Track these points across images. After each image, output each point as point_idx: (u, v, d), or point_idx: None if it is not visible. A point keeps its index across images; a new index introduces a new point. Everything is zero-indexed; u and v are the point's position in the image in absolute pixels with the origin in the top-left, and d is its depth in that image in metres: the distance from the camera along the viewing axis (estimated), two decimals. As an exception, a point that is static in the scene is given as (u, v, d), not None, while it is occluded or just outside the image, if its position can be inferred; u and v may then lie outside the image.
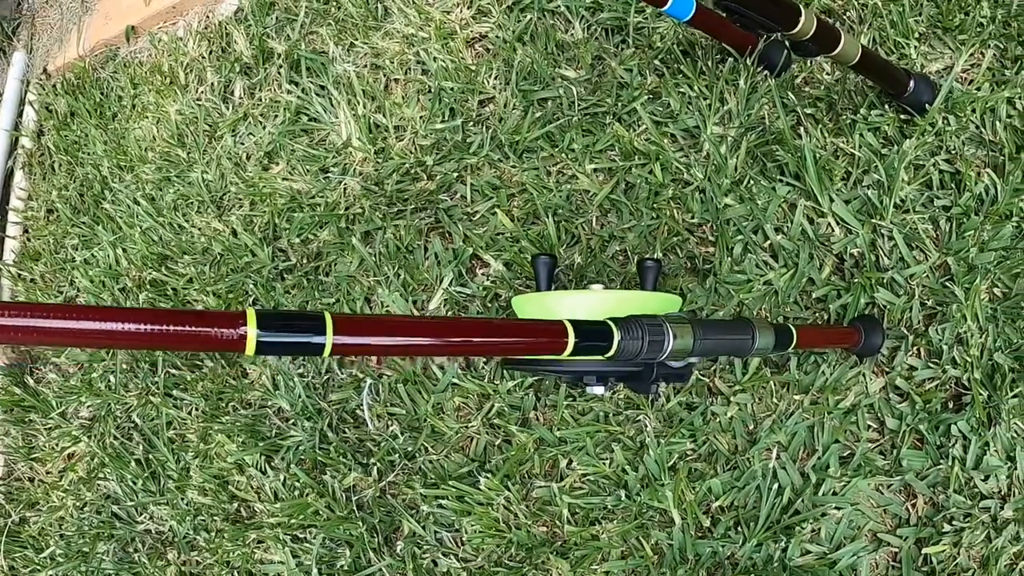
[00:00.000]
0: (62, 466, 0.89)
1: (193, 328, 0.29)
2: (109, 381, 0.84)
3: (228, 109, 0.84)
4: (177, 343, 0.29)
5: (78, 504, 0.87)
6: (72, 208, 0.92)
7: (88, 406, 0.85)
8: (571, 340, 0.39)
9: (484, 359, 0.67)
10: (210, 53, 0.87)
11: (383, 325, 0.35)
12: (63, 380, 0.88)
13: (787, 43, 0.62)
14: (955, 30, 0.71)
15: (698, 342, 0.45)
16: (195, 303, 0.78)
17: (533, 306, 0.56)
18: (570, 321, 0.40)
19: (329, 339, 0.32)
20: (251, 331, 0.30)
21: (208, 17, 0.88)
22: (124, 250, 0.85)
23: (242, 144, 0.82)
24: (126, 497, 0.82)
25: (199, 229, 0.81)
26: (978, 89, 0.67)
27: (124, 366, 0.83)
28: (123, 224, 0.85)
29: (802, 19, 0.56)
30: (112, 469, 0.81)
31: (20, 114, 0.96)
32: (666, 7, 0.56)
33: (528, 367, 0.58)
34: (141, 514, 0.83)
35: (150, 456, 0.80)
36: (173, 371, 0.78)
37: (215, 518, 0.75)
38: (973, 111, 0.66)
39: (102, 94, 0.93)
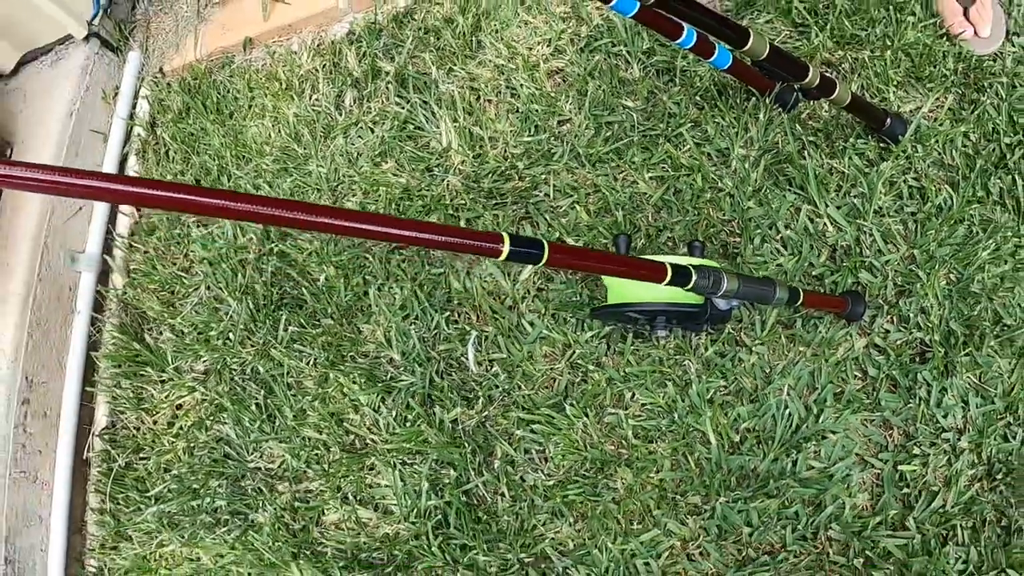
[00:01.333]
0: (170, 416, 1.03)
1: (473, 241, 0.49)
2: (227, 338, 0.99)
3: (340, 115, 1.03)
4: (462, 248, 0.49)
5: (187, 448, 1.01)
6: None
7: (204, 360, 1.00)
8: (669, 274, 0.61)
9: (571, 313, 0.87)
10: (323, 67, 1.06)
11: (574, 253, 0.57)
12: (178, 338, 1.02)
13: (798, 89, 0.86)
14: (925, 79, 0.98)
15: (741, 286, 0.68)
16: (317, 274, 0.95)
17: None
18: (670, 264, 0.62)
19: (546, 255, 0.52)
20: (506, 247, 0.50)
21: (321, 35, 1.06)
22: (243, 229, 1.02)
23: (353, 144, 1.01)
24: (240, 438, 0.97)
25: (316, 212, 0.98)
26: (941, 125, 0.94)
27: (241, 326, 0.99)
28: None
29: (810, 73, 0.81)
30: (231, 412, 0.96)
31: (134, 107, 1.11)
32: (711, 59, 0.79)
33: (616, 312, 0.80)
34: (253, 453, 0.98)
35: (268, 400, 0.96)
36: (295, 328, 0.95)
37: (331, 450, 0.92)
38: (936, 141, 0.93)
39: (219, 94, 1.09)
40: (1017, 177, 0.95)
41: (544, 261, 0.55)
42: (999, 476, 0.85)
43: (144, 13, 1.16)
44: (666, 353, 0.87)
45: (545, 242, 0.54)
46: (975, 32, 1.04)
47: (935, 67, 1.00)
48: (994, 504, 0.85)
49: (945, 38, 1.04)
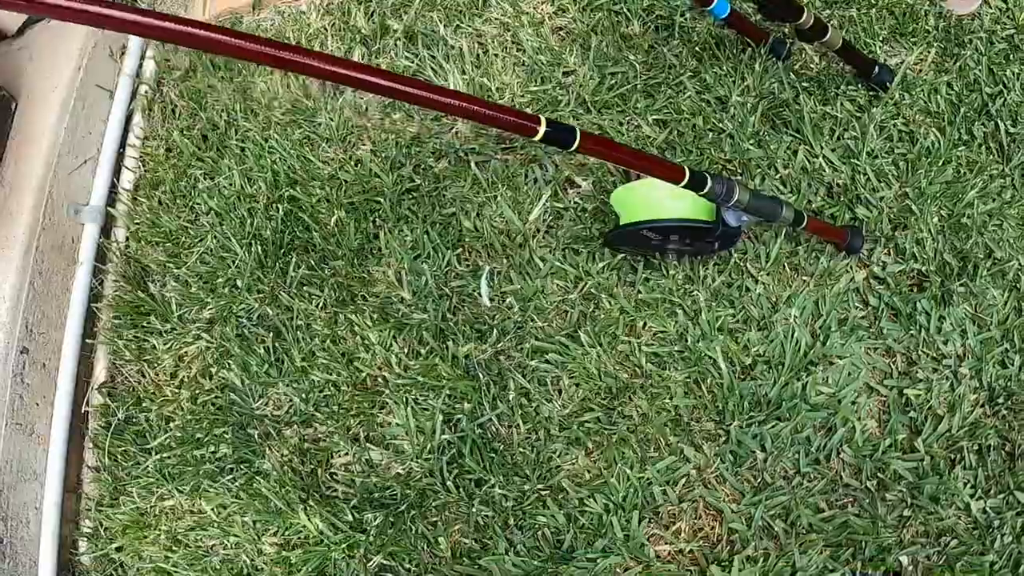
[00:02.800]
0: (173, 366, 1.04)
1: (514, 119, 0.54)
2: (235, 285, 1.01)
3: None
4: (500, 124, 0.54)
5: (191, 396, 1.01)
6: (195, 145, 1.10)
7: (210, 308, 1.01)
8: (687, 176, 0.66)
9: (582, 245, 0.91)
10: (332, 25, 1.11)
11: (604, 143, 0.62)
12: (184, 288, 1.04)
13: (793, 33, 0.94)
14: (908, 35, 1.07)
15: (751, 198, 0.73)
16: (327, 218, 0.98)
17: (636, 192, 0.82)
18: (688, 168, 0.67)
19: (577, 140, 0.57)
20: (542, 128, 0.55)
21: None
22: (250, 179, 1.05)
23: (363, 97, 1.05)
24: (246, 384, 0.98)
25: (326, 162, 1.02)
26: (925, 76, 1.02)
27: (249, 273, 1.01)
28: (251, 156, 1.05)
29: (805, 14, 0.89)
30: (237, 358, 0.97)
31: (140, 65, 1.14)
32: (711, 7, 0.86)
33: (630, 233, 0.82)
34: (260, 399, 0.99)
35: (276, 344, 0.97)
36: (305, 271, 0.97)
37: (341, 390, 0.93)
38: (922, 90, 1.01)
39: None
40: (1000, 123, 1.04)
41: (576, 147, 0.59)
42: (1000, 400, 0.90)
43: (152, -23, 1.21)
44: (675, 284, 0.91)
45: (578, 129, 0.59)
46: None
47: (917, 24, 1.09)
48: (997, 429, 0.90)
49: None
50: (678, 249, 0.85)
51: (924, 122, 1.02)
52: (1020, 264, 0.95)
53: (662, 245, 0.85)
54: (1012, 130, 1.05)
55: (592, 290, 0.91)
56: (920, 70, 1.06)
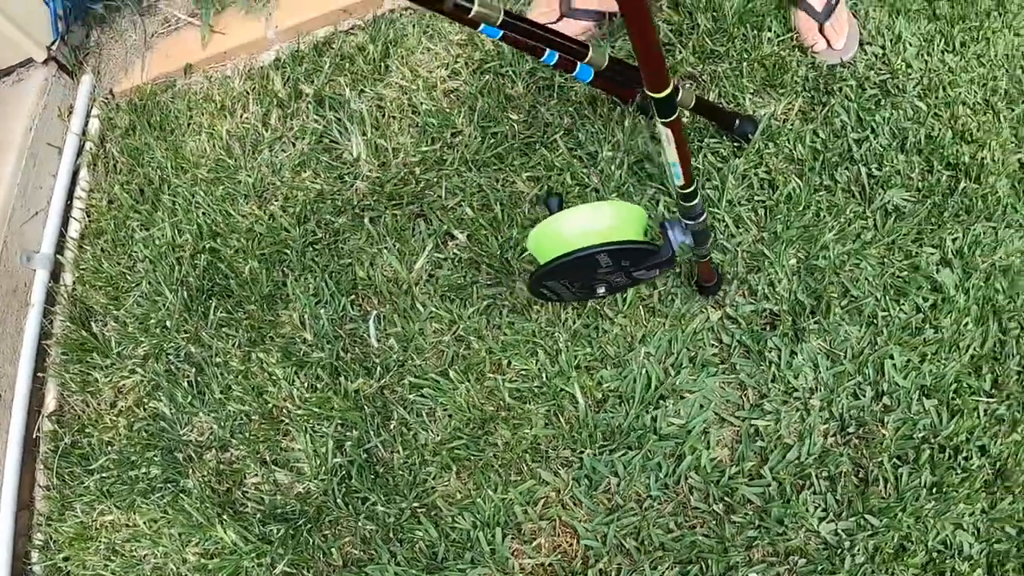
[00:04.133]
0: (113, 397, 1.21)
1: None
2: (164, 325, 1.18)
3: (267, 131, 1.24)
4: None
5: (127, 424, 1.19)
6: (133, 198, 1.27)
7: (144, 346, 1.18)
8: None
9: (455, 295, 1.06)
10: (252, 89, 1.27)
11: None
12: (122, 328, 1.21)
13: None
14: (778, 86, 1.20)
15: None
16: (243, 267, 1.14)
17: (560, 225, 0.81)
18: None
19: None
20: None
21: (252, 62, 1.28)
22: (179, 230, 1.22)
23: (277, 157, 1.22)
24: (173, 414, 1.15)
25: (243, 216, 1.19)
26: (791, 124, 1.16)
27: (176, 314, 1.18)
28: (180, 210, 1.22)
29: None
30: (166, 390, 1.14)
31: (87, 124, 1.32)
32: (575, 74, 1.01)
33: (559, 269, 0.80)
34: (185, 427, 1.16)
35: (198, 379, 1.14)
36: (222, 314, 1.14)
37: (252, 419, 1.10)
38: (787, 139, 1.14)
39: (161, 113, 1.30)
40: (863, 167, 1.17)
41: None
42: (851, 430, 1.04)
43: (97, 40, 1.38)
44: (538, 326, 1.06)
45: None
46: (829, 44, 1.27)
47: (788, 75, 1.22)
48: (850, 456, 1.04)
49: (799, 51, 1.27)
50: (612, 283, 0.88)
51: (786, 170, 1.16)
52: (876, 301, 1.09)
53: (598, 280, 0.86)
54: (876, 173, 1.19)
55: (463, 332, 1.06)
56: (786, 119, 1.19)
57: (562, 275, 0.85)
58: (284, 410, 1.10)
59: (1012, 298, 1.15)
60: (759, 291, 1.07)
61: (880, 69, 1.29)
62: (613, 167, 1.12)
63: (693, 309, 1.07)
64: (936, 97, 1.26)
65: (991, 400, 1.07)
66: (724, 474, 1.01)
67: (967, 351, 1.08)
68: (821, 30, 1.25)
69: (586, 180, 1.12)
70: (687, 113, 1.11)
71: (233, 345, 1.15)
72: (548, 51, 0.94)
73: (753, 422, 1.03)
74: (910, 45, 1.30)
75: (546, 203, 0.92)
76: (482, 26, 0.86)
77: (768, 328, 1.08)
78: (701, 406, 1.03)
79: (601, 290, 0.89)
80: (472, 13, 0.81)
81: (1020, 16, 1.37)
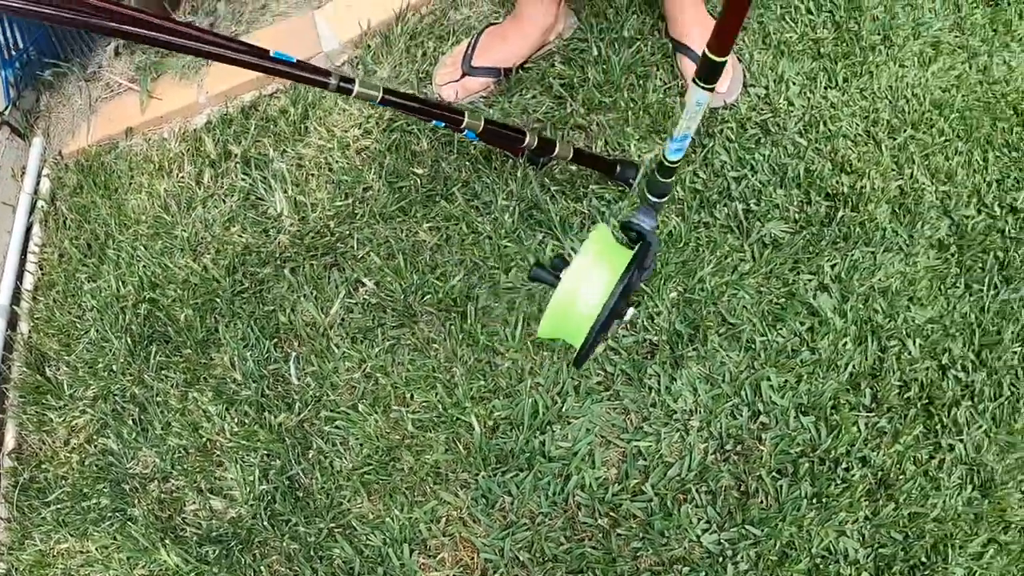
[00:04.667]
0: (66, 435, 1.35)
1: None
2: (111, 369, 1.32)
3: (200, 189, 1.38)
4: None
5: (80, 460, 1.33)
6: (81, 253, 1.42)
7: (93, 388, 1.32)
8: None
9: (366, 335, 1.20)
10: (187, 150, 1.41)
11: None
12: (73, 372, 1.35)
13: (525, 149, 1.21)
14: (662, 132, 1.35)
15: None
16: (179, 315, 1.29)
17: (562, 311, 0.80)
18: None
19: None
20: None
21: (186, 125, 1.42)
22: (123, 282, 1.36)
23: (210, 213, 1.36)
24: (120, 449, 1.29)
25: (180, 268, 1.33)
26: None
27: (121, 359, 1.32)
28: (124, 264, 1.36)
29: (527, 138, 1.17)
30: (113, 428, 1.28)
31: (38, 183, 1.46)
32: (464, 132, 1.15)
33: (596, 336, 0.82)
34: (131, 460, 1.30)
35: (142, 417, 1.28)
36: (162, 358, 1.28)
37: (189, 453, 1.24)
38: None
39: (106, 174, 1.45)
40: (741, 204, 1.31)
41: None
42: (729, 447, 1.18)
43: (47, 104, 1.53)
44: (437, 362, 1.21)
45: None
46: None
47: (671, 121, 1.37)
48: (730, 472, 1.18)
49: (683, 96, 1.41)
50: (629, 301, 0.86)
51: (669, 209, 1.30)
52: (753, 327, 1.24)
53: (622, 310, 0.84)
54: (754, 208, 1.33)
55: (371, 370, 1.21)
56: None
57: (596, 336, 0.83)
58: (217, 443, 1.24)
59: (892, 317, 1.30)
60: (639, 324, 1.22)
61: (762, 109, 1.43)
62: (506, 215, 1.27)
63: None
64: (817, 132, 1.41)
65: (871, 414, 1.22)
66: (608, 491, 1.16)
67: (846, 370, 1.23)
68: (704, 77, 1.40)
69: (480, 228, 1.26)
70: (567, 164, 1.25)
71: (172, 386, 1.29)
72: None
73: (636, 443, 1.18)
74: (793, 84, 1.45)
75: (538, 278, 0.88)
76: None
77: (648, 357, 1.23)
78: (587, 430, 1.18)
79: (628, 313, 0.86)
80: (354, 93, 0.95)
81: (906, 48, 1.52)
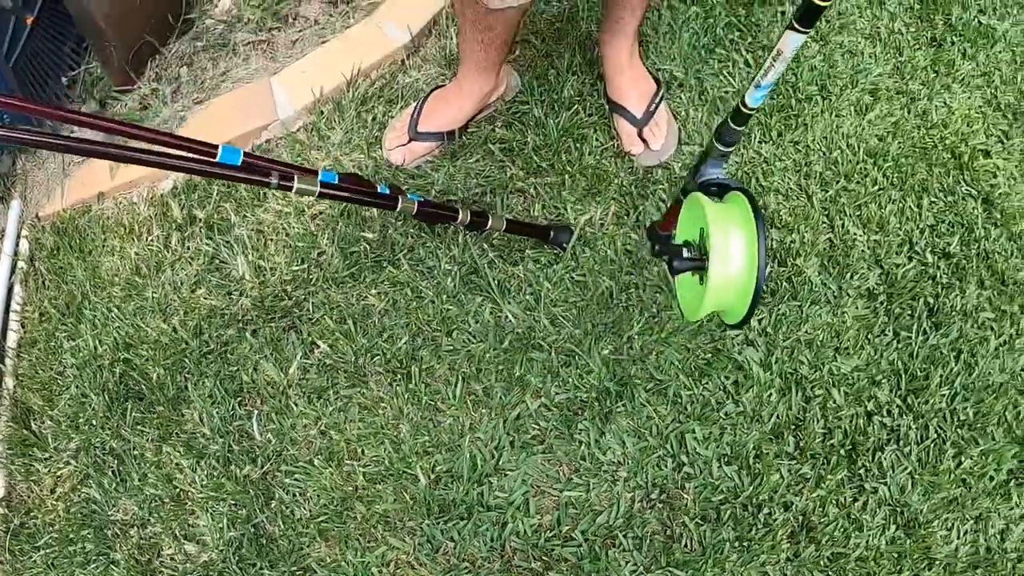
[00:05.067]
0: (52, 484, 1.61)
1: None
2: (91, 423, 1.57)
3: (168, 253, 1.61)
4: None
5: (65, 507, 1.58)
6: (60, 312, 1.66)
7: (75, 441, 1.57)
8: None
9: (320, 395, 1.44)
10: (155, 215, 1.64)
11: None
12: (56, 425, 1.60)
13: (457, 225, 1.42)
14: (597, 194, 1.56)
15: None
16: (152, 374, 1.53)
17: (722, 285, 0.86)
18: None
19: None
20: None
21: (153, 190, 1.65)
22: (100, 342, 1.60)
23: (177, 275, 1.58)
24: (102, 498, 1.54)
25: (151, 329, 1.57)
26: (606, 229, 1.51)
27: (101, 414, 1.57)
28: (99, 324, 1.60)
29: (460, 215, 1.38)
30: (95, 479, 1.53)
31: (17, 244, 1.70)
32: (396, 209, 1.37)
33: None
34: (112, 508, 1.55)
35: (120, 468, 1.53)
36: (137, 414, 1.53)
37: (164, 502, 1.49)
38: (601, 244, 1.50)
39: (80, 236, 1.67)
40: (665, 267, 1.52)
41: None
42: (654, 496, 1.41)
43: (23, 167, 1.75)
44: (385, 420, 1.43)
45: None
46: (648, 147, 1.60)
47: (607, 183, 1.57)
48: (656, 518, 1.41)
49: (620, 156, 1.61)
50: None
51: (600, 271, 1.51)
52: (680, 382, 1.44)
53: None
54: None
55: (325, 427, 1.42)
56: (603, 224, 1.55)
57: (760, 290, 0.85)
58: (189, 493, 1.48)
59: (817, 367, 1.50)
60: (570, 382, 1.44)
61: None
62: (448, 280, 1.48)
63: (513, 399, 1.44)
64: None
65: (793, 461, 1.42)
66: (542, 537, 1.36)
67: (769, 420, 1.42)
68: (640, 134, 1.59)
69: (424, 293, 1.48)
70: (502, 233, 1.46)
71: (147, 440, 1.53)
72: (380, 185, 1.31)
73: (567, 493, 1.39)
74: None
75: (684, 268, 0.93)
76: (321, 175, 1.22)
77: (578, 413, 1.44)
78: (522, 481, 1.40)
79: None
80: (294, 190, 1.17)
81: (843, 97, 1.71)
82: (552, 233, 1.45)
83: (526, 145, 1.55)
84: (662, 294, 1.45)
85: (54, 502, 1.54)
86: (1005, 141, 1.71)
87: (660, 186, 1.56)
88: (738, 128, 0.93)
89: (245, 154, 1.09)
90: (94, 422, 1.54)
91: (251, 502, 1.40)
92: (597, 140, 1.55)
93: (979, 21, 1.80)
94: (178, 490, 1.46)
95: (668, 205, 1.36)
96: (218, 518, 1.42)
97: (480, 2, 1.18)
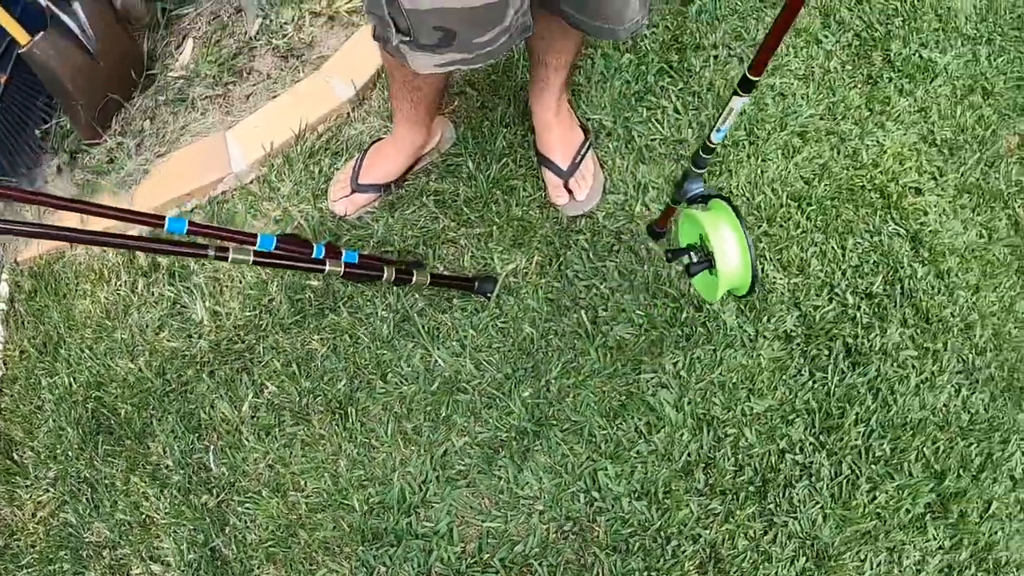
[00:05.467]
0: (33, 509, 1.94)
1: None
2: (67, 454, 1.90)
3: (135, 297, 1.91)
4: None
5: (45, 531, 1.91)
6: (38, 351, 1.98)
7: (53, 470, 1.90)
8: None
9: (267, 432, 1.75)
10: (123, 262, 1.93)
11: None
12: (36, 456, 1.93)
13: (384, 281, 1.69)
14: (523, 245, 1.82)
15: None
16: (121, 409, 1.85)
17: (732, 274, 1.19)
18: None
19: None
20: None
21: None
22: (74, 379, 1.93)
23: (143, 319, 1.89)
24: (78, 522, 1.86)
25: (120, 368, 1.89)
26: (529, 279, 1.78)
27: (76, 446, 1.89)
28: (74, 363, 1.92)
29: (385, 273, 1.66)
30: (71, 504, 1.85)
31: (-1, 288, 2.03)
32: (343, 259, 1.65)
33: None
34: (87, 531, 1.87)
35: (93, 495, 1.85)
36: (108, 447, 1.85)
37: (133, 526, 1.81)
38: (524, 292, 1.77)
39: (56, 280, 1.98)
40: (588, 311, 1.77)
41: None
42: (568, 528, 1.67)
43: (1, 213, 2.09)
44: (325, 455, 1.71)
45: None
46: (573, 198, 1.86)
47: (532, 234, 1.83)
48: (571, 548, 1.68)
49: (546, 207, 1.87)
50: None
51: (523, 318, 1.76)
52: (595, 423, 1.68)
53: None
54: (602, 314, 1.78)
55: (272, 461, 1.71)
56: (527, 274, 1.81)
57: (755, 263, 1.17)
58: (154, 519, 1.79)
59: (730, 408, 1.74)
60: (491, 422, 1.71)
61: (618, 216, 1.84)
62: (384, 326, 1.77)
63: (441, 437, 1.72)
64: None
65: (703, 497, 1.69)
66: (464, 564, 1.63)
67: (680, 459, 1.68)
68: (566, 185, 1.84)
69: (361, 338, 1.76)
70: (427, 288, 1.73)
71: (117, 470, 1.84)
72: (316, 246, 1.59)
73: (488, 524, 1.66)
74: (652, 188, 1.89)
75: (698, 271, 1.25)
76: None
77: (499, 450, 1.70)
78: (447, 512, 1.66)
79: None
80: (229, 260, 1.46)
81: (770, 140, 1.94)
82: (477, 284, 1.71)
83: (458, 197, 1.81)
84: (580, 339, 1.71)
85: (35, 525, 1.86)
86: (939, 177, 1.92)
87: (583, 236, 1.80)
88: (707, 156, 1.21)
89: (190, 223, 1.38)
90: (70, 453, 1.85)
91: (208, 527, 1.71)
92: (525, 191, 1.81)
93: (920, 55, 2.00)
94: (144, 516, 1.77)
95: (661, 210, 1.65)
96: (180, 542, 1.72)
97: (406, 66, 1.33)
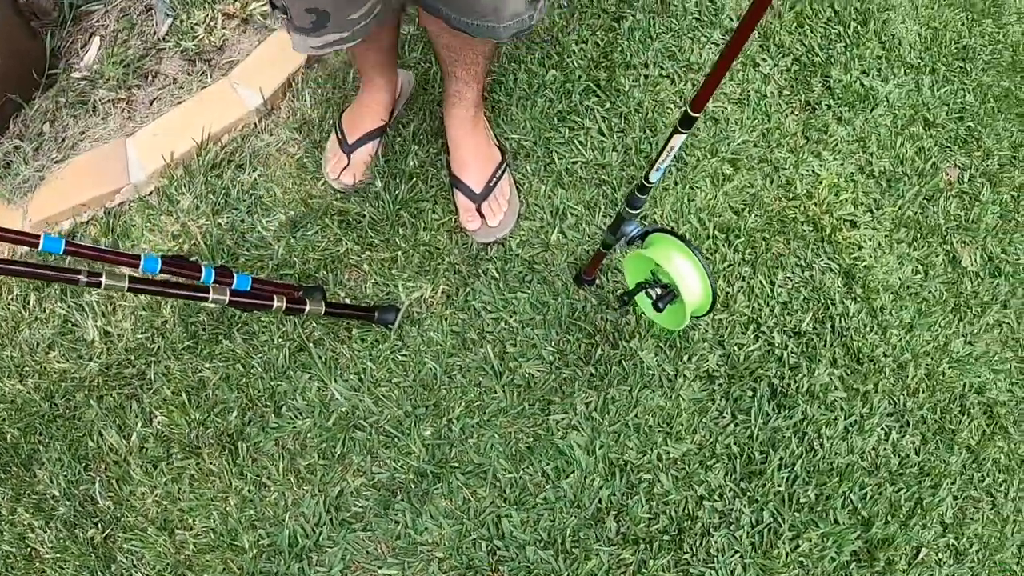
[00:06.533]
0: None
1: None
2: None
3: (26, 313, 1.76)
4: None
5: None
6: None
7: None
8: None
9: (155, 465, 1.60)
10: None
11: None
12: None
13: (273, 311, 1.54)
14: (429, 272, 1.66)
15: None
16: (8, 434, 1.70)
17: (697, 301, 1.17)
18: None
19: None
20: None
21: (13, 249, 1.80)
22: None
23: (34, 336, 1.74)
24: None
25: (8, 390, 1.73)
26: (434, 309, 1.63)
27: None
28: None
29: (275, 303, 1.50)
30: None
31: None
32: (233, 286, 1.49)
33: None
34: None
35: None
36: None
37: (18, 559, 1.67)
38: (430, 323, 1.61)
39: None
40: (495, 346, 1.60)
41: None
42: (468, 573, 1.54)
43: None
44: (216, 492, 1.58)
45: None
46: (486, 223, 1.68)
47: (439, 260, 1.67)
48: None
49: (456, 232, 1.70)
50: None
51: (426, 351, 1.61)
52: (500, 466, 1.53)
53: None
54: (510, 350, 1.62)
55: (160, 497, 1.58)
56: (432, 303, 1.66)
57: (714, 284, 1.17)
58: (40, 552, 1.65)
59: (645, 451, 1.61)
60: (389, 463, 1.57)
61: (533, 243, 1.70)
62: (279, 355, 1.61)
63: (335, 476, 1.58)
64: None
65: (614, 547, 1.55)
66: None
67: (591, 506, 1.55)
68: (479, 209, 1.68)
69: (255, 368, 1.61)
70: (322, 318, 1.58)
71: (3, 498, 1.71)
72: (206, 270, 1.43)
73: (383, 571, 1.53)
74: (571, 215, 1.73)
75: (667, 302, 1.21)
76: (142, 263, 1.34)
77: (397, 493, 1.54)
78: (342, 558, 1.54)
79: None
80: (103, 286, 1.30)
81: (699, 167, 1.77)
82: (377, 313, 1.56)
83: (363, 218, 1.65)
84: (486, 376, 1.57)
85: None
86: (875, 211, 1.77)
87: (493, 264, 1.65)
88: (642, 196, 1.17)
89: (67, 243, 1.22)
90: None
91: (94, 564, 1.57)
92: (435, 214, 1.65)
93: (861, 83, 1.84)
94: (30, 549, 1.63)
95: (590, 257, 1.56)
96: (64, 577, 1.59)
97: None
